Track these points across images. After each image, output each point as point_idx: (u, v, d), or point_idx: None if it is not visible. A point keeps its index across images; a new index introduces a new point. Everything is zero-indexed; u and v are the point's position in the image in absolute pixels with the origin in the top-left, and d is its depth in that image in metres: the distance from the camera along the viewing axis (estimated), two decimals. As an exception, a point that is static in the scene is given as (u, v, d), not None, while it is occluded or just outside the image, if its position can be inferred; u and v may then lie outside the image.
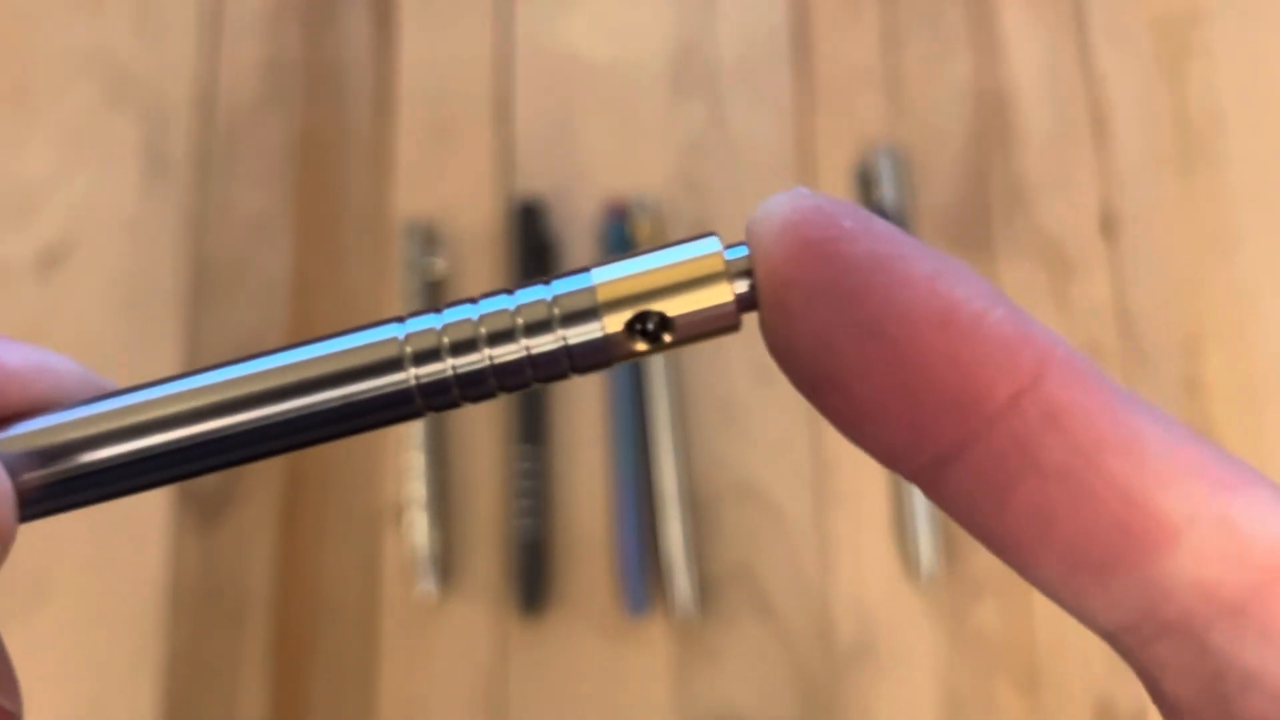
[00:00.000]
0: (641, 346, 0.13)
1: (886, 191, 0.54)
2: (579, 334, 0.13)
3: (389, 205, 0.55)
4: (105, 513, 0.49)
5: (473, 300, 0.14)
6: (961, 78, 0.57)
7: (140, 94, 0.56)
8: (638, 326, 0.13)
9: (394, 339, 0.13)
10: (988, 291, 0.12)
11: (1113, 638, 0.12)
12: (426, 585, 0.49)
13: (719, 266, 0.13)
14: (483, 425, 0.52)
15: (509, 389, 0.14)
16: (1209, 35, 0.57)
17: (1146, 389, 0.53)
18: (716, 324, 0.13)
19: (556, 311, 0.13)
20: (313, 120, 0.56)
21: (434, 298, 0.53)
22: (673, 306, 0.13)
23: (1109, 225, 0.55)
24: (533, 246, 0.53)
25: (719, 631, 0.49)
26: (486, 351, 0.13)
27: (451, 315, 0.13)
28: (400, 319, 0.14)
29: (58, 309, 0.53)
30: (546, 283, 0.13)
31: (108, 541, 0.50)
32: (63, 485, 0.14)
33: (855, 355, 0.12)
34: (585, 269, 0.13)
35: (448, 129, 0.56)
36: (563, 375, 0.14)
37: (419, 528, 0.49)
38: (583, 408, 0.52)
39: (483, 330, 0.13)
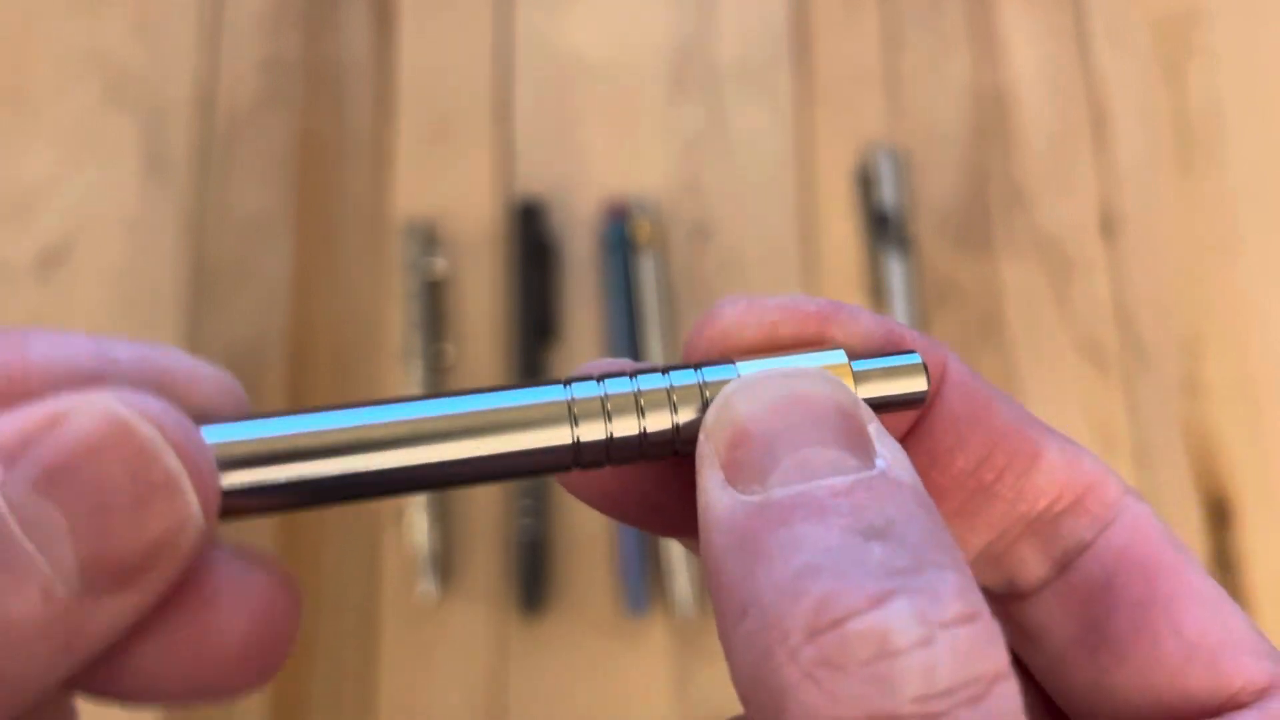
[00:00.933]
0: None
1: (886, 191, 0.54)
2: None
3: (389, 205, 0.55)
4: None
5: (629, 375, 0.16)
6: (961, 78, 0.57)
7: (140, 94, 0.56)
8: None
9: (564, 401, 0.15)
10: (908, 327, 0.17)
11: (984, 552, 0.17)
12: (426, 585, 0.49)
13: (848, 373, 0.16)
14: (483, 425, 0.52)
15: (650, 457, 0.16)
16: (1209, 35, 0.57)
17: (1146, 389, 0.53)
18: None
19: (707, 394, 0.16)
20: (313, 120, 0.56)
21: (434, 297, 0.53)
22: None
23: (1109, 225, 0.55)
24: (533, 246, 0.53)
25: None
26: (640, 421, 0.15)
27: (613, 386, 0.15)
28: (565, 382, 0.16)
29: (58, 309, 0.53)
30: (696, 368, 0.16)
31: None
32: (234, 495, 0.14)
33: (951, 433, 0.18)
34: (731, 361, 0.16)
35: (448, 129, 0.56)
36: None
37: (419, 528, 0.49)
38: (583, 408, 0.52)
39: (642, 401, 0.15)
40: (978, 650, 0.12)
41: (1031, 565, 0.17)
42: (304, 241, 0.55)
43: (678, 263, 0.54)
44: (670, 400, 0.15)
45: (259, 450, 0.14)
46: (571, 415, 0.15)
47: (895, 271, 0.53)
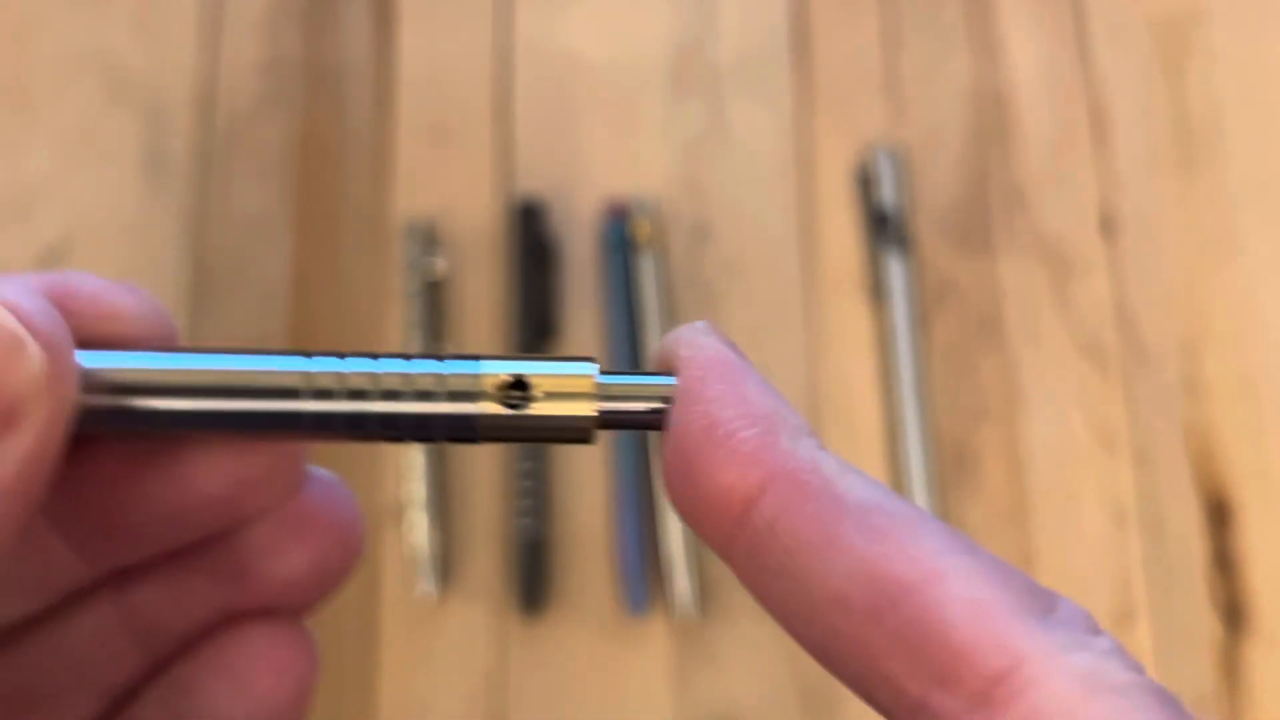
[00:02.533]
0: (501, 410, 0.16)
1: (886, 191, 0.54)
2: (459, 384, 0.16)
3: (389, 205, 0.55)
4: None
5: (374, 356, 0.16)
6: (961, 78, 0.57)
7: (140, 94, 0.56)
8: (509, 393, 0.16)
9: (299, 371, 0.16)
10: (756, 415, 0.14)
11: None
12: (426, 585, 0.49)
13: (590, 386, 0.16)
14: (483, 425, 0.52)
15: (395, 438, 0.16)
16: (1209, 35, 0.57)
17: (1146, 389, 0.53)
18: (572, 416, 0.16)
19: (445, 387, 0.15)
20: (313, 120, 0.56)
21: (434, 297, 0.53)
22: (539, 382, 0.16)
23: (1109, 225, 0.55)
24: (532, 246, 0.53)
25: (719, 631, 0.49)
26: (377, 405, 0.15)
27: (353, 364, 0.16)
28: (308, 353, 0.16)
29: (58, 309, 0.53)
30: (440, 359, 0.16)
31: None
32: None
33: (666, 459, 0.15)
34: (477, 357, 0.16)
35: (448, 129, 0.56)
36: (432, 438, 0.16)
37: (419, 528, 0.49)
38: (583, 408, 0.52)
39: (378, 385, 0.15)
40: None
41: None
42: (304, 241, 0.55)
43: (678, 263, 0.54)
44: (408, 387, 0.15)
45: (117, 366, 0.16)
46: (305, 387, 0.15)
47: (895, 271, 0.53)
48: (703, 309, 0.53)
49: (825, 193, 0.55)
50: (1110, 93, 0.56)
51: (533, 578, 0.49)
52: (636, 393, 0.16)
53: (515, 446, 0.51)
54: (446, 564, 0.50)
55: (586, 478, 0.51)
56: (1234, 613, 0.50)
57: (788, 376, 0.52)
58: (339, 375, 0.15)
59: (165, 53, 0.57)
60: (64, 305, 0.15)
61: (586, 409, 0.16)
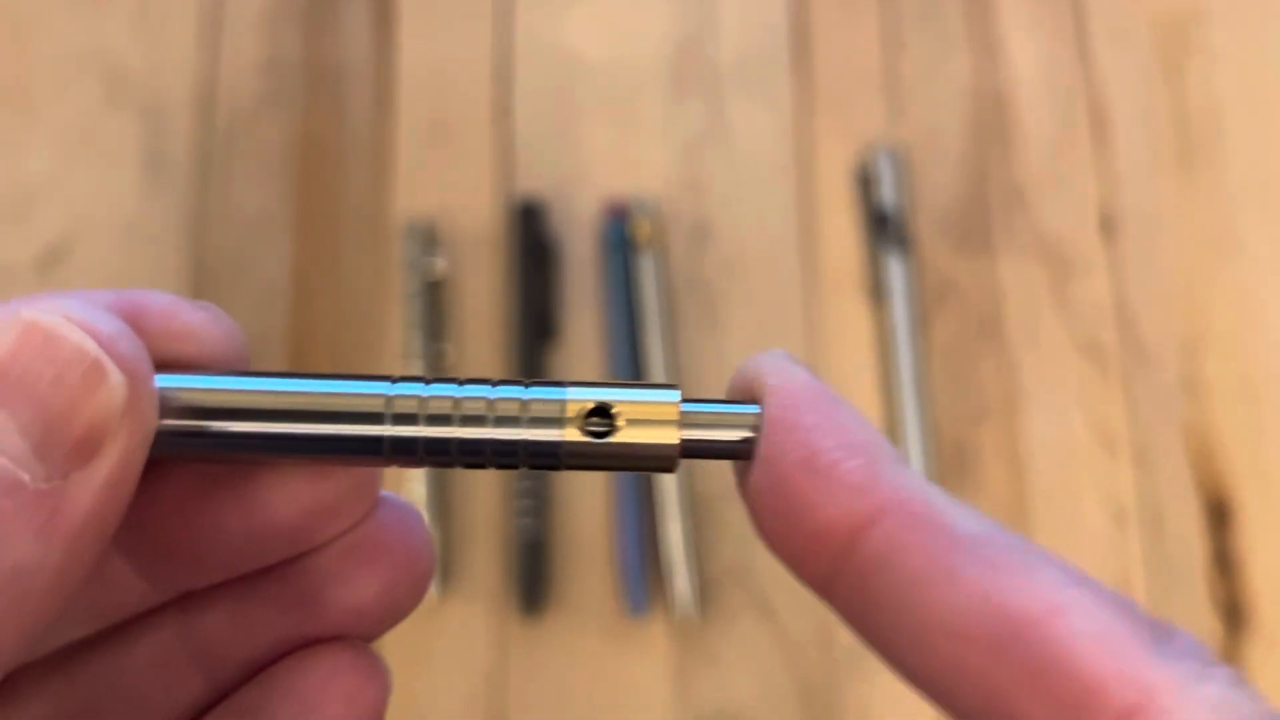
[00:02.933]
0: (584, 438, 0.15)
1: (886, 191, 0.54)
2: (541, 411, 0.15)
3: (389, 205, 0.55)
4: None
5: (459, 382, 0.16)
6: (961, 78, 0.57)
7: (140, 94, 0.56)
8: (592, 420, 0.15)
9: (382, 395, 0.15)
10: (858, 444, 0.14)
11: None
12: (426, 585, 0.49)
13: (674, 414, 0.15)
14: (483, 425, 0.52)
15: (475, 464, 0.16)
16: (1209, 35, 0.57)
17: (1146, 389, 0.53)
18: (657, 443, 0.16)
19: (529, 412, 0.15)
20: (313, 120, 0.56)
21: (434, 297, 0.53)
22: (623, 410, 0.15)
23: (1109, 225, 0.55)
24: (532, 246, 0.53)
25: (719, 631, 0.49)
26: (456, 428, 0.15)
27: (437, 389, 0.15)
28: (391, 378, 0.16)
29: (58, 309, 0.53)
30: (526, 385, 0.16)
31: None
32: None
33: (758, 490, 0.14)
34: (563, 384, 0.16)
35: (448, 129, 0.56)
36: (515, 464, 0.16)
37: (419, 528, 0.49)
38: (583, 408, 0.52)
39: (461, 409, 0.15)
40: None
41: None
42: (304, 241, 0.55)
43: (678, 263, 0.54)
44: (491, 413, 0.15)
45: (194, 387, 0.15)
46: (387, 411, 0.15)
47: (895, 271, 0.53)
48: (703, 309, 0.53)
49: (825, 193, 0.55)
50: (1110, 93, 0.56)
51: (533, 578, 0.49)
52: (721, 421, 0.16)
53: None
54: (446, 564, 0.50)
55: (586, 478, 0.51)
56: (1234, 613, 0.50)
57: (788, 376, 0.52)
58: (421, 400, 0.15)
59: (165, 53, 0.57)
60: (136, 325, 0.15)
61: (670, 437, 0.15)
